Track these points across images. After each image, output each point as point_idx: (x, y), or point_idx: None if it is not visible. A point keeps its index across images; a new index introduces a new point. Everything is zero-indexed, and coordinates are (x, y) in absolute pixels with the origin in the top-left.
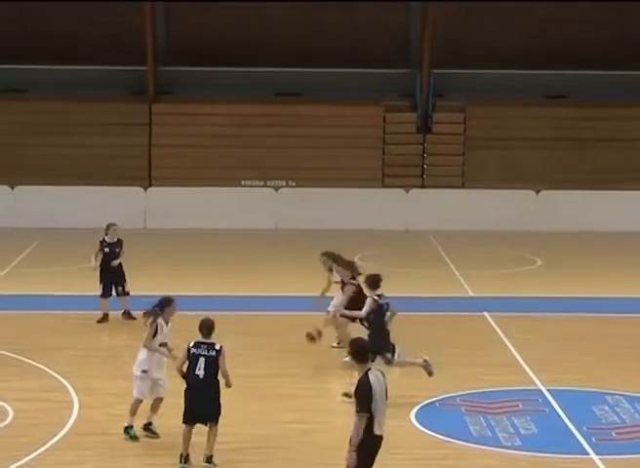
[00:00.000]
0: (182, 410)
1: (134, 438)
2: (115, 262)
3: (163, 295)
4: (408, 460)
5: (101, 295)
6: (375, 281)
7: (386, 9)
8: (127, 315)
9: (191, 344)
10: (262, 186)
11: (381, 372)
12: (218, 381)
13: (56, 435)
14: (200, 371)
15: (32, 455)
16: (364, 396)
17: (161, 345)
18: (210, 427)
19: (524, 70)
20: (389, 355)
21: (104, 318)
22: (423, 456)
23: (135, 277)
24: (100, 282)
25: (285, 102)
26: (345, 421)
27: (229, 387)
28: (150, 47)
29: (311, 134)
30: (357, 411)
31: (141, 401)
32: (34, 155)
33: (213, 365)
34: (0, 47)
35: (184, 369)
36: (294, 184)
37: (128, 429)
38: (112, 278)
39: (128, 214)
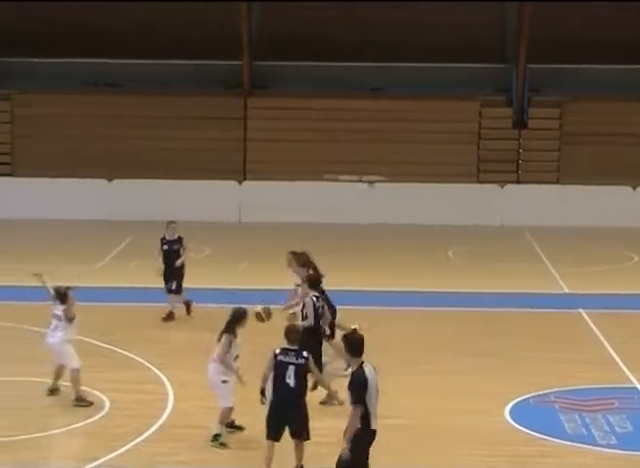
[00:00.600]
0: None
1: (222, 445)
2: (178, 262)
3: (237, 307)
4: (502, 457)
5: (166, 292)
6: (315, 281)
7: (482, 4)
8: (169, 316)
9: (277, 351)
10: (357, 181)
11: (374, 368)
12: (306, 391)
13: (151, 426)
14: (290, 380)
15: (128, 446)
16: (360, 388)
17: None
18: (298, 441)
19: (621, 65)
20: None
21: (169, 316)
22: (518, 453)
23: (227, 270)
24: (164, 279)
25: (380, 97)
26: (434, 420)
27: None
28: (246, 41)
29: (406, 129)
30: (352, 403)
31: (232, 408)
32: (131, 149)
33: (302, 373)
34: (98, 42)
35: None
36: (388, 179)
37: (217, 436)
38: (172, 275)
39: (222, 207)
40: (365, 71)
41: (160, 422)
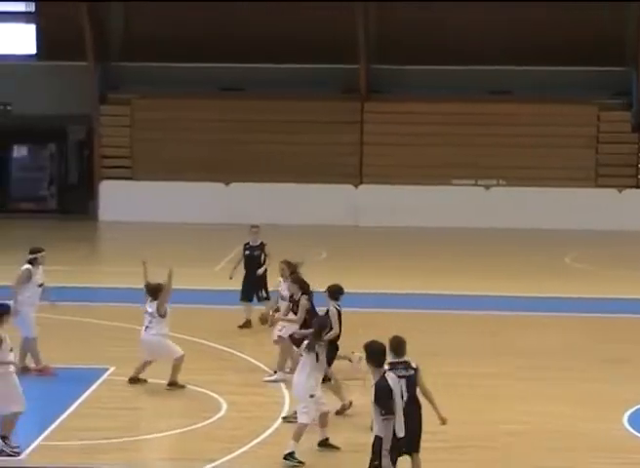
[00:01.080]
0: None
1: (300, 463)
2: (260, 271)
3: (319, 320)
4: (619, 465)
5: (241, 299)
6: (337, 291)
7: (600, 6)
8: (264, 319)
9: (387, 367)
10: (473, 185)
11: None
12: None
13: (267, 429)
14: (403, 394)
15: (245, 448)
16: (387, 399)
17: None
18: (413, 456)
19: None
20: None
21: (246, 323)
22: (636, 461)
23: (344, 274)
24: (242, 285)
25: (497, 101)
26: (553, 426)
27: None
28: (362, 45)
29: (523, 132)
30: (383, 415)
31: (307, 425)
32: (248, 153)
33: (414, 385)
34: (218, 47)
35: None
36: (504, 183)
37: (292, 455)
38: (253, 283)
39: (339, 210)
40: (481, 75)
41: (276, 425)
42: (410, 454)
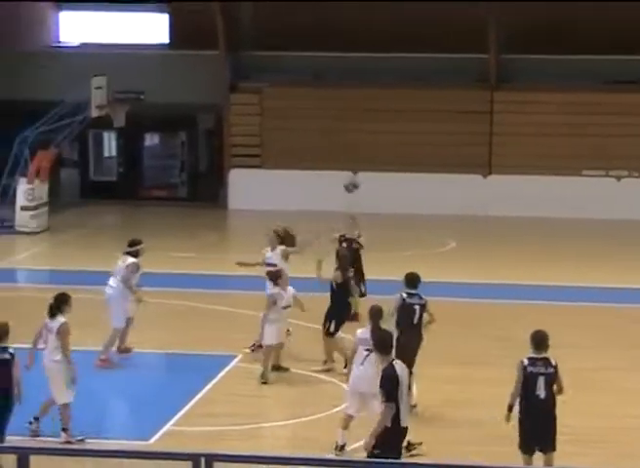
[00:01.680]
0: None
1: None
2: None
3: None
4: None
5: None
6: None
7: None
8: (354, 317)
9: (526, 362)
10: (604, 176)
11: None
12: (556, 401)
13: None
14: (540, 392)
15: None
16: (391, 386)
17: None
18: (547, 455)
19: None
20: None
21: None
22: None
23: (473, 264)
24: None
25: (629, 90)
26: None
27: None
28: (492, 34)
29: None
30: (384, 401)
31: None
32: (376, 141)
33: (552, 383)
34: (346, 35)
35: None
36: (637, 175)
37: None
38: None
39: (467, 201)
40: (613, 64)
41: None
42: (543, 452)
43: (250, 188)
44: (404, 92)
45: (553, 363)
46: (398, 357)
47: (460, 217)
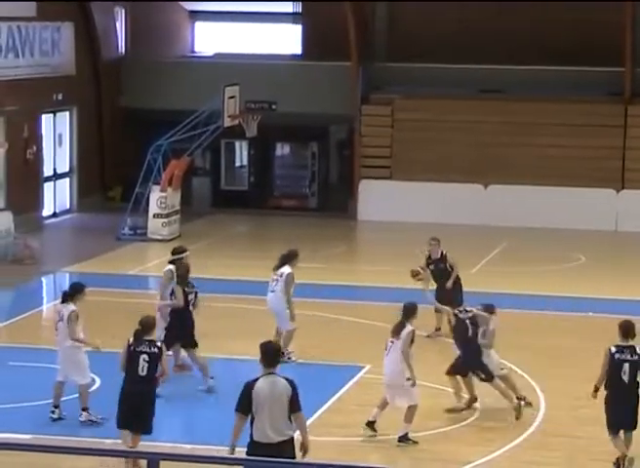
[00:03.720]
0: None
1: (415, 443)
2: (449, 283)
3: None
4: None
5: (436, 310)
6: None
7: None
8: (436, 332)
9: (614, 349)
10: None
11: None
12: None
13: (523, 433)
14: (625, 377)
15: (500, 452)
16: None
17: None
18: (627, 434)
19: None
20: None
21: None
22: None
23: (602, 279)
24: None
25: None
26: None
27: None
28: (629, 47)
29: None
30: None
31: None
32: (507, 155)
33: (636, 370)
34: (479, 48)
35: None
36: None
37: (405, 437)
38: (444, 295)
39: (599, 215)
40: None
41: (531, 430)
42: (625, 431)
43: (379, 199)
44: (538, 105)
45: (639, 351)
46: None
47: (590, 232)
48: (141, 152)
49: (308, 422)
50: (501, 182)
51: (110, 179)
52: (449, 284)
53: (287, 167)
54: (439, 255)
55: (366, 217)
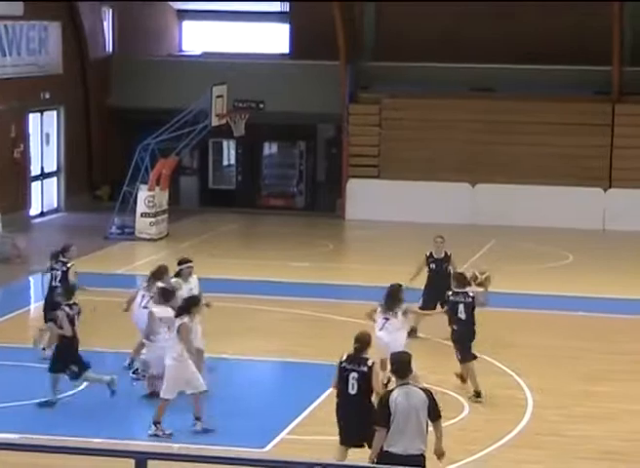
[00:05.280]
0: None
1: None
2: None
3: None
4: None
5: (420, 307)
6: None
7: None
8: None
9: (450, 293)
10: None
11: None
12: None
13: (510, 432)
14: (462, 315)
15: (486, 450)
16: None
17: None
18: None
19: None
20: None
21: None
22: None
23: (589, 278)
24: (423, 294)
25: None
26: None
27: None
28: (617, 47)
29: None
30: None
31: None
32: (496, 153)
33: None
34: (467, 47)
35: None
36: None
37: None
38: (438, 295)
39: (586, 214)
40: None
41: (519, 428)
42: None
43: (367, 198)
44: (525, 104)
45: (471, 294)
46: None
47: (577, 231)
48: (129, 151)
49: (296, 421)
50: (489, 181)
51: (98, 179)
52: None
53: (275, 166)
54: (442, 255)
55: (354, 216)
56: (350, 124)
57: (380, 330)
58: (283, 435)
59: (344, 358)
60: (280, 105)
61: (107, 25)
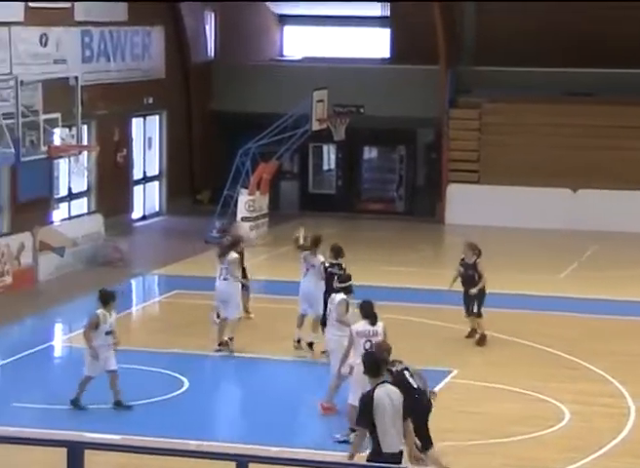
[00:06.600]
0: None
1: None
2: (473, 290)
3: None
4: None
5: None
6: None
7: None
8: (473, 334)
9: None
10: None
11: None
12: None
13: (612, 440)
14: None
15: (588, 459)
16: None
17: None
18: None
19: None
20: None
21: (471, 333)
22: None
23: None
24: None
25: None
26: None
27: None
28: None
29: None
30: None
31: None
32: (596, 158)
33: None
34: (566, 51)
35: None
36: None
37: None
38: (468, 300)
39: None
40: None
41: (622, 436)
42: None
43: (467, 203)
44: (626, 108)
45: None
46: None
47: None
48: (230, 155)
49: None
50: (591, 187)
51: (199, 183)
52: (473, 290)
53: (374, 170)
54: (472, 261)
55: (453, 221)
56: (450, 128)
57: None
58: None
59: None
60: (380, 110)
61: (209, 30)
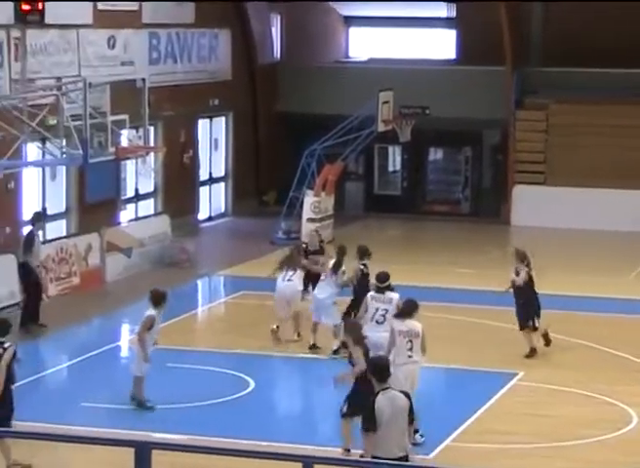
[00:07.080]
0: None
1: None
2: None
3: None
4: None
5: None
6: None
7: None
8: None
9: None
10: None
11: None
12: None
13: None
14: None
15: None
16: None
17: None
18: None
19: None
20: None
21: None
22: None
23: None
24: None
25: None
26: None
27: None
28: None
29: None
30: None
31: None
32: None
33: None
34: (636, 51)
35: None
36: None
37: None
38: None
39: None
40: None
41: None
42: None
43: (533, 205)
44: None
45: None
46: None
47: None
48: (296, 157)
49: (461, 428)
50: None
51: (265, 184)
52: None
53: (440, 172)
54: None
55: (519, 223)
56: (517, 130)
57: None
58: (447, 442)
59: None
60: (446, 111)
61: (275, 32)
